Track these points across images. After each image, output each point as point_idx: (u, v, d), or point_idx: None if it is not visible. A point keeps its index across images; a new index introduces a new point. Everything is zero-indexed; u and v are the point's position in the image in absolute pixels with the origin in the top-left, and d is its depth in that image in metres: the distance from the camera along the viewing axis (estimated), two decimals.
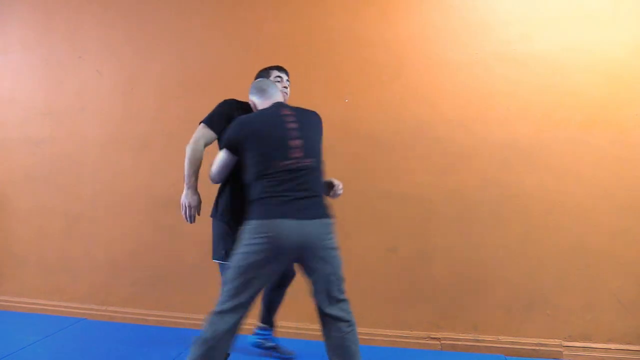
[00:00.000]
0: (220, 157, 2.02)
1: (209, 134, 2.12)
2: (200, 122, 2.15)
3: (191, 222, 2.15)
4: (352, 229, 2.76)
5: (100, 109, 3.23)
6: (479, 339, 2.67)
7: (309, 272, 1.92)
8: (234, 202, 2.12)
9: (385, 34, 2.78)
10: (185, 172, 2.10)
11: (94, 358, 2.62)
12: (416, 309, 2.74)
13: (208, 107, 3.00)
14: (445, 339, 2.70)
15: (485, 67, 2.66)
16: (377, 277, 2.78)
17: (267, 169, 1.87)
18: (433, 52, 2.73)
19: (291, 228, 1.82)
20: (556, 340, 2.59)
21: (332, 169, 2.25)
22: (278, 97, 2.07)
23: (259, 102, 2.07)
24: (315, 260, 1.88)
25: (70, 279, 3.30)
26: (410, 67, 2.76)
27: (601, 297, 2.56)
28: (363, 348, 2.69)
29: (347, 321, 1.89)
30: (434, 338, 2.71)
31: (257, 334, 2.55)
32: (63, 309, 3.27)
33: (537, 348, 2.59)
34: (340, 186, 2.14)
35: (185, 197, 2.11)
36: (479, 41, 2.67)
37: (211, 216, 2.21)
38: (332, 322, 1.89)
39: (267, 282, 1.95)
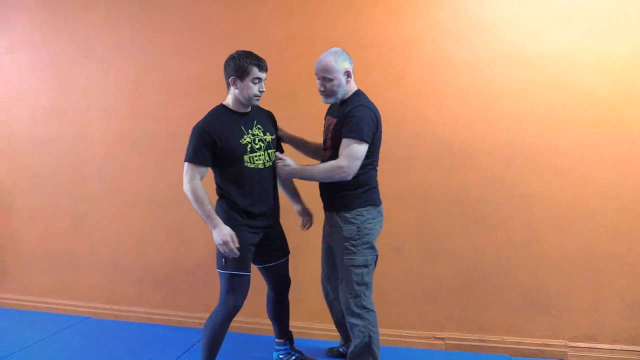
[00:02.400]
0: (363, 150, 2.05)
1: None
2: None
3: (237, 255, 2.07)
4: None
5: (105, 108, 3.24)
6: (484, 339, 2.66)
7: None
8: (228, 206, 2.14)
9: (390, 34, 2.78)
10: (203, 212, 2.05)
11: (99, 356, 2.63)
12: (421, 309, 2.74)
13: (213, 106, 3.02)
14: (449, 338, 2.70)
15: (490, 66, 2.66)
16: (381, 276, 2.77)
17: (376, 160, 2.20)
18: (438, 52, 2.72)
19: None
20: (561, 340, 2.59)
21: None
22: None
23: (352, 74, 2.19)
24: None
25: (75, 278, 3.31)
26: (416, 67, 2.75)
27: (606, 297, 2.55)
28: None
29: None
30: (439, 338, 2.71)
31: (276, 350, 2.50)
32: (68, 308, 3.29)
33: (542, 348, 2.58)
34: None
35: (218, 235, 2.04)
36: (484, 41, 2.66)
37: None
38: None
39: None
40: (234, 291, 2.11)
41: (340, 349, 2.59)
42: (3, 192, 3.46)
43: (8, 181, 3.45)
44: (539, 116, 2.60)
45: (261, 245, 2.23)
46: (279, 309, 2.42)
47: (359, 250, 2.11)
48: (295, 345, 2.54)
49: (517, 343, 2.62)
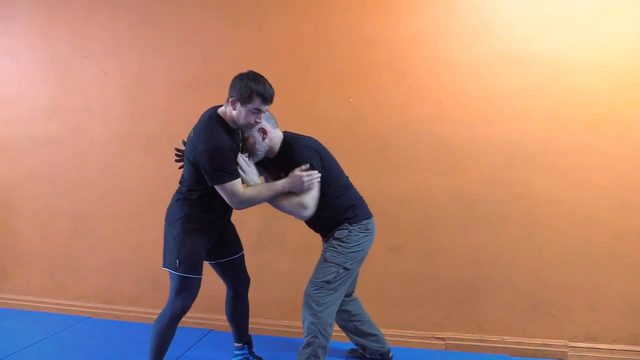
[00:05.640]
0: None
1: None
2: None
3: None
4: None
5: (105, 108, 3.24)
6: (484, 339, 2.66)
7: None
8: (193, 210, 2.11)
9: (389, 34, 2.78)
10: (271, 194, 2.02)
11: (98, 357, 2.63)
12: (420, 309, 2.74)
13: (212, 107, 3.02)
14: (449, 338, 2.70)
15: (490, 67, 2.66)
16: (381, 276, 2.78)
17: (337, 187, 2.18)
18: (438, 52, 2.72)
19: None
20: (561, 340, 2.59)
21: None
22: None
23: (272, 131, 2.14)
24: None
25: (75, 278, 3.31)
26: (415, 67, 2.75)
27: (606, 297, 2.55)
28: None
29: None
30: (439, 338, 2.71)
31: (235, 355, 2.47)
32: (68, 308, 3.29)
33: (542, 348, 2.58)
34: None
35: (294, 182, 2.00)
36: (483, 41, 2.66)
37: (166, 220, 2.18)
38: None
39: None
40: (184, 292, 2.11)
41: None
42: (3, 192, 3.46)
43: (8, 181, 3.45)
44: (539, 116, 2.60)
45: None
46: (237, 310, 2.39)
47: (343, 251, 2.12)
48: (295, 345, 2.54)
49: (517, 343, 2.62)
